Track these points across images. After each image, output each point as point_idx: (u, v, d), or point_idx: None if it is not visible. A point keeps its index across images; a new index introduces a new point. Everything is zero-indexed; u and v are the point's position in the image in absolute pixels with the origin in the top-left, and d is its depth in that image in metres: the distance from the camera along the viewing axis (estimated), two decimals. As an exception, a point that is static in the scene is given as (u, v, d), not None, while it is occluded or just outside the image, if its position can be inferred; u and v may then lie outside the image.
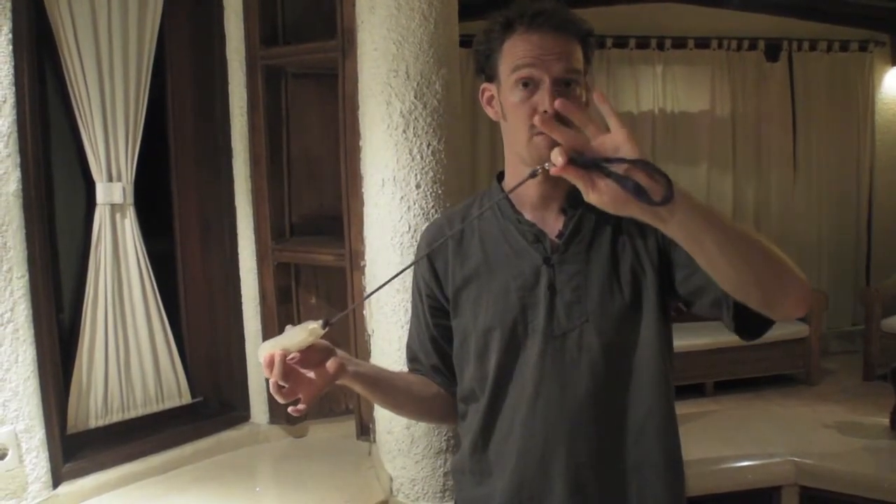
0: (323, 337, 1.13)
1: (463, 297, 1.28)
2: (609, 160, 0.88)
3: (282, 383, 1.10)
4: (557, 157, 0.88)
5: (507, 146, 1.27)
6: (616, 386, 1.21)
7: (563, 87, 1.16)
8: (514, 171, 1.26)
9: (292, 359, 1.09)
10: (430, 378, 1.38)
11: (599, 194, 0.89)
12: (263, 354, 1.11)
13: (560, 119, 1.09)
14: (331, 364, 1.14)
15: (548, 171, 0.90)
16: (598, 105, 0.92)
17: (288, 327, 1.13)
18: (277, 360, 1.08)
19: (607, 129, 0.90)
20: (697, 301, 1.18)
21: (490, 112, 1.27)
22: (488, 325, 1.24)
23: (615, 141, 0.89)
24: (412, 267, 1.40)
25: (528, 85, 1.16)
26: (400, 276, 1.94)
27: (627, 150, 0.88)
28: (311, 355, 1.13)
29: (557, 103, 0.93)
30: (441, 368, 1.37)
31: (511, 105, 1.19)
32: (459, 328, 1.30)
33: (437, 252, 1.32)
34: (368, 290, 2.20)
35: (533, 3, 1.19)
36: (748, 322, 1.11)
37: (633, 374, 1.21)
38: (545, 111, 1.13)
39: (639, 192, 0.87)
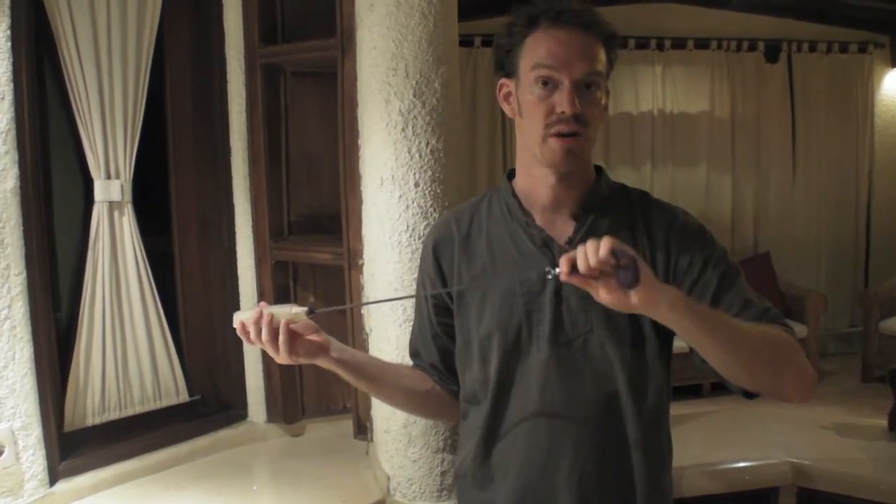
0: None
1: (468, 297, 1.27)
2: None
3: (252, 341, 1.18)
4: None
5: (522, 143, 1.25)
6: (620, 395, 1.20)
7: (583, 89, 1.15)
8: (527, 169, 1.25)
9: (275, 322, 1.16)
10: (428, 375, 1.37)
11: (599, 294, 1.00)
12: (238, 319, 1.19)
13: (577, 119, 1.12)
14: (313, 336, 1.19)
15: (558, 276, 1.01)
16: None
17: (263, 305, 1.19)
18: (249, 323, 1.17)
19: None
20: (695, 354, 1.15)
21: (507, 108, 1.25)
22: (492, 329, 1.23)
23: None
24: (418, 265, 1.41)
25: (548, 84, 1.15)
26: (398, 275, 1.96)
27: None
28: (300, 329, 1.18)
29: None
30: (439, 367, 1.36)
31: (528, 103, 1.18)
32: (462, 328, 1.29)
33: (442, 249, 1.31)
34: (367, 288, 2.20)
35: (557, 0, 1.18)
36: None
37: (636, 384, 1.20)
38: (565, 111, 1.14)
39: (625, 280, 1.00)
